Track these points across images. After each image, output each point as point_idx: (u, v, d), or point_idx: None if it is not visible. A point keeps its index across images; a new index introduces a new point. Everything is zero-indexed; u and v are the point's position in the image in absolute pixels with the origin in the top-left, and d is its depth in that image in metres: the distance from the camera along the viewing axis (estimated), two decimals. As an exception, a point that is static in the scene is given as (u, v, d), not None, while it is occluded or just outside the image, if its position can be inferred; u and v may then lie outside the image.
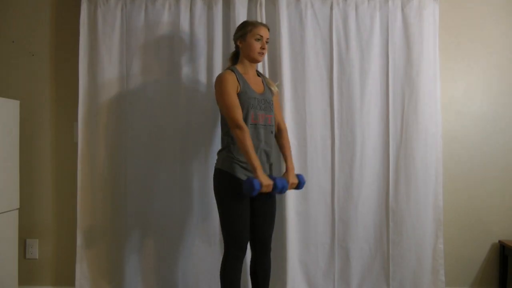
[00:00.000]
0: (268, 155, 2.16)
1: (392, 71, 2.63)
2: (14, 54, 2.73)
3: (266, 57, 2.58)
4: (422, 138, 2.62)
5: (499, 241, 2.74)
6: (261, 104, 2.14)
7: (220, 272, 2.09)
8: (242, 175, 2.07)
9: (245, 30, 2.16)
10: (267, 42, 2.18)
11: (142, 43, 2.61)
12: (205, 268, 2.59)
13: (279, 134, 2.29)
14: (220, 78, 2.10)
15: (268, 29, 2.20)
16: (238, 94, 2.08)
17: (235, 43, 2.22)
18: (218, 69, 2.57)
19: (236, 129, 2.00)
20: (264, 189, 1.94)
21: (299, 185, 2.19)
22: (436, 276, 2.62)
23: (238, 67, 2.17)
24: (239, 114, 2.03)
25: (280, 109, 2.37)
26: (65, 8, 2.72)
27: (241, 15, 2.55)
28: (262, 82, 2.25)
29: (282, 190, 2.05)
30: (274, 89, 2.28)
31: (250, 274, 2.25)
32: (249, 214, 2.12)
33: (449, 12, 2.73)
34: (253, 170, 1.96)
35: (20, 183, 2.56)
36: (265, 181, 1.94)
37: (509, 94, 2.76)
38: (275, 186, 1.98)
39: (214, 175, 2.16)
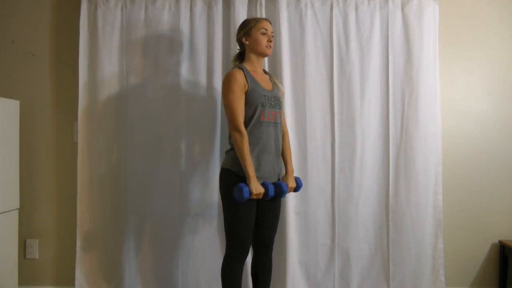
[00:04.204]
0: (278, 153, 2.15)
1: (392, 71, 2.63)
2: (14, 54, 2.73)
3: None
4: (422, 138, 2.62)
5: (499, 241, 2.74)
6: (271, 101, 2.12)
7: (221, 272, 2.08)
8: None
9: (249, 26, 2.15)
10: (272, 36, 2.18)
11: (142, 43, 2.61)
12: (205, 268, 2.59)
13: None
14: (228, 76, 2.07)
15: (270, 23, 2.20)
16: (247, 93, 2.06)
17: (240, 41, 2.20)
18: (218, 68, 2.58)
19: (235, 132, 2.01)
20: (254, 197, 1.96)
21: (296, 188, 2.24)
22: (436, 276, 2.62)
23: (246, 65, 2.15)
24: (241, 117, 2.02)
25: (284, 112, 2.36)
26: (65, 8, 2.72)
27: (241, 15, 2.55)
28: (270, 79, 2.24)
29: (281, 195, 2.09)
30: (281, 88, 2.27)
31: (251, 275, 2.24)
32: (255, 216, 2.10)
33: (449, 12, 2.73)
34: (246, 176, 1.97)
35: (20, 183, 2.56)
36: (256, 190, 1.95)
37: (509, 94, 2.76)
38: (266, 194, 1.99)
39: (221, 174, 2.13)
